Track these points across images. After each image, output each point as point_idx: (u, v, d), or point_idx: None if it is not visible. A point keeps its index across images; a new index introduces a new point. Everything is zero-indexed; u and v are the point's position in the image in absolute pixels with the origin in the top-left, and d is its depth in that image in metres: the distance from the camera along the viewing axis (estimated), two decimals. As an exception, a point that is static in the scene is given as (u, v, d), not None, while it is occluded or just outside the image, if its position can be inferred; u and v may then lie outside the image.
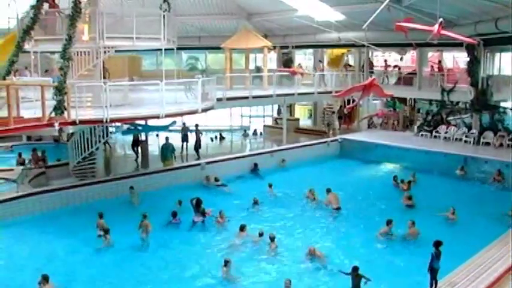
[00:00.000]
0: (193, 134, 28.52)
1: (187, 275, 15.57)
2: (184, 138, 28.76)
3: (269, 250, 16.81)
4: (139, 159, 26.34)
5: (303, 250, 16.52)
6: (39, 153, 25.12)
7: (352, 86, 24.89)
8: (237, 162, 26.73)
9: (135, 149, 27.14)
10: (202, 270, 15.76)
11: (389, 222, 17.93)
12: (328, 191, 21.32)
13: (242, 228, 18.06)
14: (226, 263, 15.06)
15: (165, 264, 16.21)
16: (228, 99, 26.87)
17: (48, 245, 17.70)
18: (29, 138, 30.36)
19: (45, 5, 21.33)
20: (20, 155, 25.78)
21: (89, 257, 16.80)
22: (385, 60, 36.55)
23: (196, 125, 28.50)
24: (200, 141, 28.50)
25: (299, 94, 30.43)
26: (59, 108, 18.05)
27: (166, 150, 25.22)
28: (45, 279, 14.03)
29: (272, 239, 16.91)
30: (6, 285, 14.98)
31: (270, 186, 22.75)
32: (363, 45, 30.15)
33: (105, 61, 22.60)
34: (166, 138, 25.76)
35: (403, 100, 34.41)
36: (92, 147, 22.21)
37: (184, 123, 29.55)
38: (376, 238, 17.91)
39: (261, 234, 17.62)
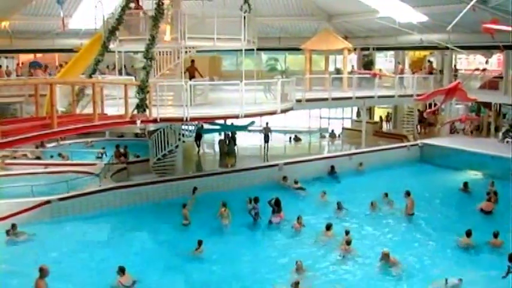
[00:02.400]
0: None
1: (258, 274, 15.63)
2: (266, 139, 28.90)
3: (343, 252, 16.57)
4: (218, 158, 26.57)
5: (376, 254, 16.21)
6: (121, 149, 25.92)
7: (436, 90, 24.16)
8: (314, 164, 26.53)
9: (197, 142, 27.52)
10: (275, 270, 15.72)
11: (469, 234, 17.25)
12: (408, 194, 20.76)
13: (328, 227, 17.94)
14: (297, 264, 15.06)
15: (239, 261, 16.39)
16: (307, 100, 26.67)
17: (126, 238, 18.31)
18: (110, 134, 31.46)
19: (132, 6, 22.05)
20: (117, 147, 26.61)
21: (165, 250, 17.20)
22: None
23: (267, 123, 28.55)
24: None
25: (379, 97, 29.83)
26: (141, 106, 18.57)
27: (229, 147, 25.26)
28: (121, 270, 14.50)
29: (348, 242, 16.63)
30: (88, 274, 15.55)
31: (339, 206, 21.23)
32: (447, 48, 29.19)
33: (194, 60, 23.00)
34: (227, 136, 25.84)
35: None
36: (171, 145, 22.62)
37: (267, 123, 29.85)
38: (453, 246, 17.35)
39: (347, 233, 17.51)
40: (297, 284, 13.92)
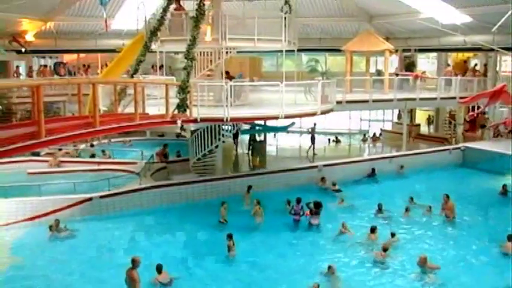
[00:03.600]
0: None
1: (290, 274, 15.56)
2: (312, 140, 28.89)
3: (378, 258, 16.33)
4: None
5: (414, 260, 15.88)
6: (162, 149, 26.21)
7: (480, 92, 23.66)
8: (354, 166, 26.30)
9: (235, 141, 27.60)
10: (309, 272, 15.59)
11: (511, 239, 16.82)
12: (447, 197, 20.35)
13: (373, 229, 17.81)
14: (330, 268, 14.97)
15: (275, 261, 16.39)
16: (348, 102, 26.46)
17: (165, 236, 18.46)
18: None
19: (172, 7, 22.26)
20: (165, 146, 26.90)
21: (202, 249, 17.28)
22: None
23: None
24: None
25: (421, 99, 29.36)
26: (182, 106, 18.73)
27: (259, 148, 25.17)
28: (159, 268, 14.69)
29: (385, 249, 16.38)
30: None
31: (380, 208, 21.05)
32: (491, 49, 28.56)
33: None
34: (253, 137, 25.74)
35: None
36: (211, 145, 22.74)
37: (314, 124, 29.92)
38: (496, 252, 16.91)
39: (393, 235, 17.43)
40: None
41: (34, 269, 15.96)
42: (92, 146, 29.25)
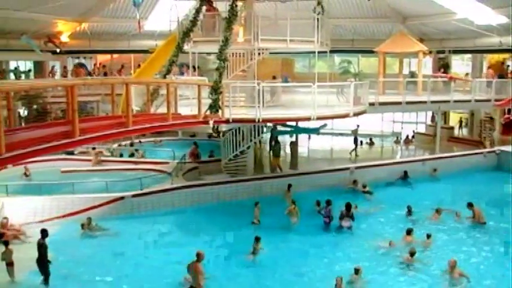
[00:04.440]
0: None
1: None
2: (355, 141, 29.05)
3: (406, 262, 16.13)
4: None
5: (441, 264, 15.63)
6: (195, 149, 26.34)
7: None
8: (387, 168, 25.98)
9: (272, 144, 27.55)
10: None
11: None
12: (470, 205, 19.98)
13: (409, 231, 17.59)
14: (357, 271, 14.84)
15: (304, 262, 16.35)
16: (381, 104, 26.20)
17: (195, 236, 18.51)
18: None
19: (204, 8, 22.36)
20: (196, 145, 27.09)
21: (233, 249, 17.31)
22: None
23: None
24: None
25: (455, 101, 28.89)
26: (214, 106, 18.81)
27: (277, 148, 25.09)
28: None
29: (412, 254, 16.12)
30: (157, 270, 15.85)
31: (409, 210, 20.84)
32: (528, 51, 28.02)
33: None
34: (273, 137, 25.57)
35: None
36: (243, 145, 22.75)
37: (357, 126, 30.03)
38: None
39: (428, 236, 17.27)
40: None
41: (67, 266, 16.13)
42: (131, 145, 29.49)
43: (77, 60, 38.63)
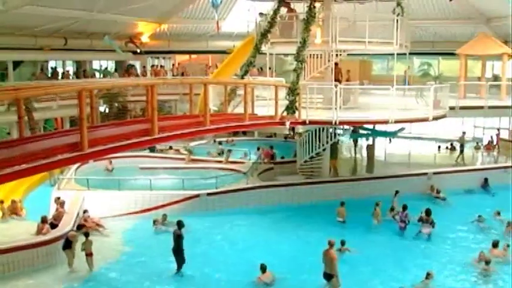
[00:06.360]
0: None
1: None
2: (461, 148, 28.68)
3: (482, 270, 15.58)
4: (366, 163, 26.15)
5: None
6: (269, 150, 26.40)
7: None
8: (466, 175, 25.22)
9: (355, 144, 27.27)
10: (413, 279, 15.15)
11: None
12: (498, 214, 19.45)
13: (495, 244, 16.92)
14: (428, 275, 14.57)
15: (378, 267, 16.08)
16: (461, 108, 25.37)
17: (269, 236, 18.60)
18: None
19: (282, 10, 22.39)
20: (271, 147, 27.02)
21: (306, 250, 17.08)
22: None
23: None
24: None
25: (543, 106, 27.58)
26: (291, 107, 18.81)
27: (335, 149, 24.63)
28: (263, 268, 14.81)
29: (487, 262, 15.48)
30: (230, 267, 16.05)
31: (498, 213, 20.42)
32: None
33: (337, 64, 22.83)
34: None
35: None
36: (319, 147, 22.61)
37: (463, 132, 29.61)
38: None
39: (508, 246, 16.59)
40: None
41: (143, 258, 16.74)
42: (220, 143, 29.84)
43: (156, 61, 39.65)
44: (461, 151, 28.43)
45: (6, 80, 28.11)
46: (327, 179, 23.16)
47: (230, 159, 26.00)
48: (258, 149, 27.14)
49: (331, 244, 14.40)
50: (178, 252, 15.72)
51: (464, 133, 29.30)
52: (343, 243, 16.59)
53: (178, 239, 15.66)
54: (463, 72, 30.00)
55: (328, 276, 14.22)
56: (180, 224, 15.89)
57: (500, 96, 28.32)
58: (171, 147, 27.78)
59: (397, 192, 21.31)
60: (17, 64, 29.80)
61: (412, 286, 14.54)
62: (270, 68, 24.43)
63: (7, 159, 9.99)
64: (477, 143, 33.29)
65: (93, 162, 23.34)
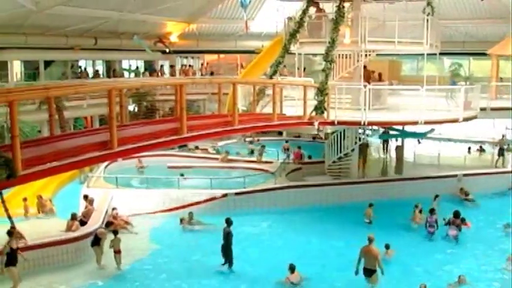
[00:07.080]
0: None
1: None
2: (501, 152, 27.88)
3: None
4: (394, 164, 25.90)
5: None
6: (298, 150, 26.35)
7: None
8: (497, 177, 24.88)
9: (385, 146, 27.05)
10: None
11: None
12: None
13: None
14: (460, 278, 14.56)
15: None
16: (492, 109, 24.95)
17: (296, 236, 18.61)
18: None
19: (311, 10, 22.32)
20: (299, 148, 26.93)
21: (335, 251, 17.18)
22: None
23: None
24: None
25: None
26: (320, 108, 18.74)
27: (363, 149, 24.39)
28: (291, 268, 14.78)
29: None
30: (258, 267, 16.14)
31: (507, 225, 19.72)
32: None
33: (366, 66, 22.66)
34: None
35: None
36: (348, 148, 22.50)
37: (503, 135, 29.23)
38: None
39: None
40: None
41: (171, 257, 16.91)
42: (251, 142, 29.94)
43: (185, 60, 39.86)
44: (502, 154, 27.70)
45: (37, 79, 28.60)
46: (355, 180, 23.03)
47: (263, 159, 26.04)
48: (287, 146, 26.91)
49: (370, 240, 14.34)
50: (226, 249, 15.87)
51: (504, 136, 28.77)
52: (387, 246, 16.47)
53: (227, 236, 15.80)
54: (494, 73, 29.55)
55: (370, 272, 14.23)
56: (228, 222, 16.02)
57: (534, 97, 27.79)
58: (197, 147, 27.88)
59: (436, 196, 21.01)
60: (47, 63, 30.29)
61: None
62: (298, 68, 24.35)
63: (38, 157, 10.16)
64: (508, 145, 32.72)
65: (122, 161, 23.55)
